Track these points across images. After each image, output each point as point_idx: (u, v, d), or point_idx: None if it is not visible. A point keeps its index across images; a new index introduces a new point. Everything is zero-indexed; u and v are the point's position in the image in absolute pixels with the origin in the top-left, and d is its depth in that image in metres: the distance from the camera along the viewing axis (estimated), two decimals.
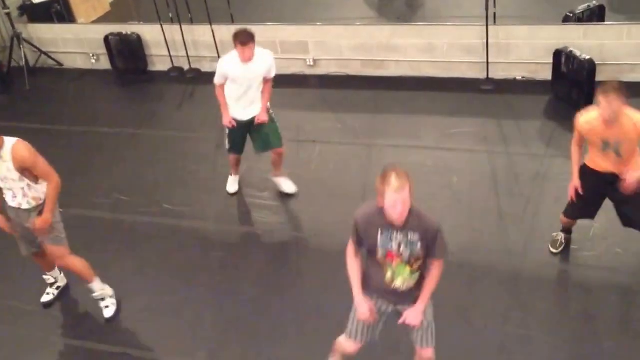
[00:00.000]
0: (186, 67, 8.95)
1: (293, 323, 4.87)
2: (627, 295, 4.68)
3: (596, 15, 7.35)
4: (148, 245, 5.87)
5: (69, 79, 9.37)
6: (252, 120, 5.79)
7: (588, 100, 6.67)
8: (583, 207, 4.79)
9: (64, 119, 8.30)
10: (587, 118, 4.48)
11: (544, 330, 4.49)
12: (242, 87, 5.65)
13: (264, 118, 5.74)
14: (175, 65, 9.01)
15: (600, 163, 4.56)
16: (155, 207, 6.36)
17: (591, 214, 4.90)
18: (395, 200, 3.31)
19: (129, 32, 8.99)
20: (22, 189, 4.52)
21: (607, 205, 5.41)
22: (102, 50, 9.21)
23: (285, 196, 6.20)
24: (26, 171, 4.45)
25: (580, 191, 4.65)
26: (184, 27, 8.65)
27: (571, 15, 7.34)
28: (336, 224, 5.66)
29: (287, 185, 6.20)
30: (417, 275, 3.57)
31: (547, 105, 7.07)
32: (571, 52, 6.78)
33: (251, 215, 6.07)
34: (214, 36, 8.47)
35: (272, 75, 5.72)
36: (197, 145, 7.33)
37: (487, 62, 7.47)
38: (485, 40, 7.33)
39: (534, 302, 4.75)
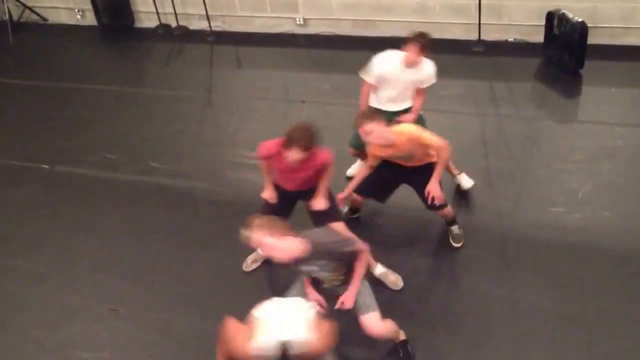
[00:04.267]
0: (174, 24, 8.80)
1: (282, 282, 4.83)
2: (614, 258, 4.70)
3: None
4: (135, 204, 5.82)
5: (53, 34, 9.19)
6: None
7: (579, 63, 6.65)
8: (375, 186, 4.81)
9: (49, 75, 8.16)
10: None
11: (530, 292, 4.53)
12: None
13: None
14: (163, 22, 8.85)
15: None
16: (143, 165, 6.31)
17: (381, 198, 4.96)
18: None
19: None
20: None
21: (593, 170, 5.45)
22: (88, 5, 9.03)
23: None
24: None
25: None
26: None
27: None
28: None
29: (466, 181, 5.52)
30: None
31: (538, 68, 7.03)
32: (563, 14, 6.71)
33: (241, 175, 6.01)
34: None
35: None
36: (185, 104, 7.24)
37: (479, 24, 7.39)
38: (477, 1, 7.24)
39: (522, 263, 4.77)
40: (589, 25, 6.58)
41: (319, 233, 3.82)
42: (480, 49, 7.41)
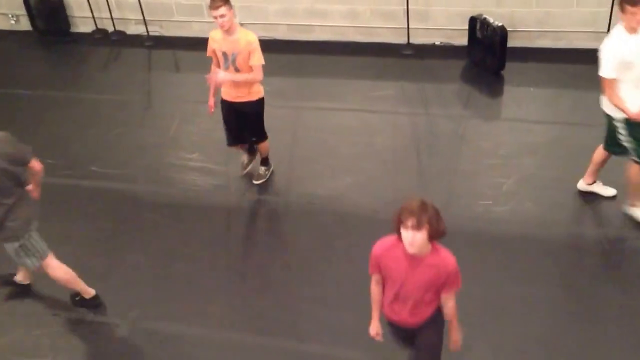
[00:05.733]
0: (110, 29, 8.80)
1: (224, 280, 5.02)
2: (537, 246, 5.02)
3: None
4: (76, 209, 5.80)
5: None
6: None
7: (501, 65, 7.08)
8: (232, 134, 5.65)
9: None
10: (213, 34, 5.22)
11: (462, 282, 4.77)
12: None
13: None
14: (99, 27, 8.85)
15: (225, 89, 5.39)
16: (82, 170, 6.27)
17: (242, 140, 5.72)
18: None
19: None
20: None
21: (516, 164, 5.82)
22: (22, 10, 8.92)
23: (214, 158, 6.30)
24: None
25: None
26: None
27: None
28: (261, 184, 5.87)
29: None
30: None
31: (463, 70, 7.42)
32: (485, 19, 7.12)
33: (184, 176, 6.11)
34: None
35: None
36: (124, 109, 7.26)
37: (408, 28, 7.73)
38: (405, 7, 7.58)
39: (454, 255, 5.01)
40: (508, 29, 7.02)
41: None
42: (409, 52, 7.76)
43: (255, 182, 5.85)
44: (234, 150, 5.91)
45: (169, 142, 6.59)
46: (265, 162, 5.89)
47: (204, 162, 6.28)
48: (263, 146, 5.77)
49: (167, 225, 5.56)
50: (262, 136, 5.68)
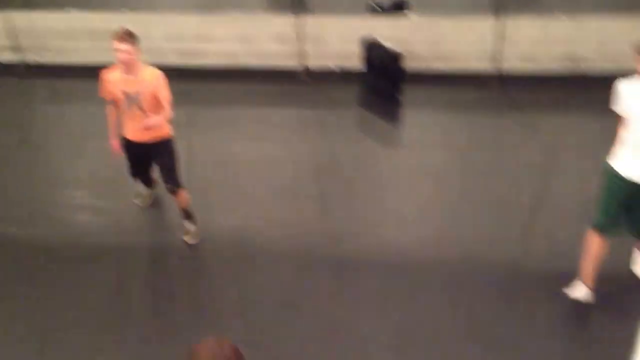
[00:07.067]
0: None
1: (121, 327, 4.67)
2: (440, 271, 4.98)
3: (399, 8, 7.80)
4: None
5: None
6: None
7: (397, 89, 7.10)
8: (137, 169, 5.34)
9: None
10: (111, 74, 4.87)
11: (369, 311, 4.69)
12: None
13: None
14: None
15: (130, 130, 4.98)
16: None
17: (145, 179, 5.53)
18: None
19: None
20: None
21: (416, 189, 5.82)
22: None
23: (103, 195, 5.91)
24: None
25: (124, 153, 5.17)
26: None
27: (376, 6, 7.70)
28: (155, 222, 5.63)
29: None
30: None
31: (360, 95, 7.39)
32: (380, 43, 7.13)
33: (67, 217, 5.70)
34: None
35: None
36: None
37: (302, 52, 7.62)
38: (299, 30, 7.47)
39: (359, 284, 4.94)
40: (401, 52, 7.04)
41: None
42: (305, 77, 7.65)
43: (190, 242, 5.34)
44: (132, 181, 5.56)
45: (50, 180, 6.15)
46: (188, 215, 5.35)
47: (92, 199, 5.88)
48: (181, 198, 5.25)
49: (51, 271, 5.14)
50: (177, 182, 5.17)
